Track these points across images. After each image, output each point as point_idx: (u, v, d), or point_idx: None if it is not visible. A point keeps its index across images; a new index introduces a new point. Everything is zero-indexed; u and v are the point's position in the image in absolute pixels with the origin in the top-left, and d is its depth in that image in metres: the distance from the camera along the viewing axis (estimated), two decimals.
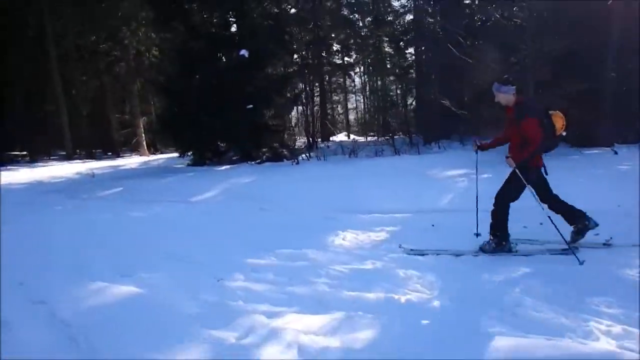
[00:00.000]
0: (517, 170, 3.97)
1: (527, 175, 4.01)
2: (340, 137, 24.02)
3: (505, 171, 4.17)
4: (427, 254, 4.22)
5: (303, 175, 8.84)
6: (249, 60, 12.70)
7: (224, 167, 12.78)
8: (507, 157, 4.03)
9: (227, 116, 12.68)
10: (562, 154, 8.04)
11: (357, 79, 29.43)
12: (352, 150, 11.63)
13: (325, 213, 6.35)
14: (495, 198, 4.11)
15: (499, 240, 4.07)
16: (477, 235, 4.48)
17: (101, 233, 5.88)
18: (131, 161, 17.29)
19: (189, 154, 14.49)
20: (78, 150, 22.43)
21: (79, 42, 20.42)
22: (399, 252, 4.38)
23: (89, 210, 7.75)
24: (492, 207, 4.13)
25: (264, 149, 14.48)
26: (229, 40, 13.52)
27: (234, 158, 14.41)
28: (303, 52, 17.73)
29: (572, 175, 6.35)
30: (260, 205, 7.18)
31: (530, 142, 3.87)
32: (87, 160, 18.39)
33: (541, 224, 4.50)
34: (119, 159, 19.38)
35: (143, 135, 21.29)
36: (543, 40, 7.66)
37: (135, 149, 21.64)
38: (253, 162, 13.48)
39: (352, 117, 32.52)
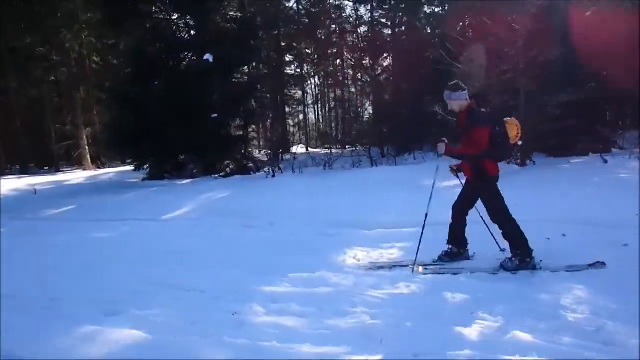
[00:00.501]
0: (438, 157, 3.92)
1: (485, 182, 3.82)
2: (297, 149, 23.56)
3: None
4: (445, 273, 3.86)
5: (283, 189, 8.26)
6: (214, 66, 11.95)
7: (185, 181, 11.88)
8: (441, 140, 3.85)
9: (189, 126, 11.79)
10: (550, 164, 8.10)
11: (308, 91, 29.25)
12: (327, 162, 11.17)
13: (319, 229, 5.82)
14: (494, 220, 3.87)
15: (522, 257, 3.77)
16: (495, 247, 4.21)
17: (65, 260, 4.97)
18: (75, 176, 15.74)
19: (145, 167, 13.39)
20: (8, 165, 20.30)
21: (13, 44, 18.52)
22: (428, 271, 3.97)
23: (42, 233, 6.71)
24: (500, 230, 3.89)
25: (227, 162, 13.74)
26: (190, 44, 12.68)
27: (195, 171, 13.50)
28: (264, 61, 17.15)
29: (578, 184, 6.24)
30: (244, 221, 6.53)
31: (473, 147, 3.75)
32: (21, 176, 16.55)
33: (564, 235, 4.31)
34: (59, 174, 17.66)
35: (87, 147, 19.62)
36: (535, 47, 7.65)
37: (77, 163, 19.90)
38: (217, 176, 12.70)
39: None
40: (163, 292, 3.77)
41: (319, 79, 28.13)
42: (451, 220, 4.10)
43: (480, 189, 3.87)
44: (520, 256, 3.74)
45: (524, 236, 3.75)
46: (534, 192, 6.27)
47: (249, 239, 5.56)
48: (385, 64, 16.96)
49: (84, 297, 3.72)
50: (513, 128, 3.80)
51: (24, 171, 18.92)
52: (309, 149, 24.14)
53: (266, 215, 6.64)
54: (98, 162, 20.53)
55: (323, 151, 17.76)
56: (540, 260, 3.81)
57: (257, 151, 19.34)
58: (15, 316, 3.41)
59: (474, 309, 3.00)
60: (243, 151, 13.99)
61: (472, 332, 2.69)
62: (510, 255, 3.82)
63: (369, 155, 11.64)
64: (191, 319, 3.15)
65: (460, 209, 4.08)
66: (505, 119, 3.83)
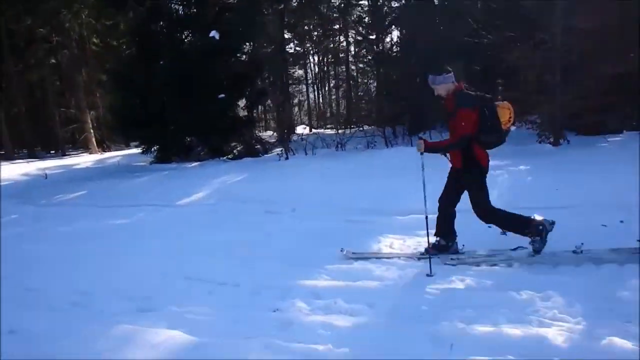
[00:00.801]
0: (421, 158, 3.66)
1: (471, 174, 3.60)
2: (301, 130, 23.21)
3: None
4: (480, 264, 3.63)
5: (299, 172, 8.04)
6: (219, 44, 11.58)
7: (194, 164, 11.72)
8: (419, 138, 3.66)
9: (195, 107, 11.53)
10: (585, 143, 7.74)
11: (309, 70, 28.63)
12: (339, 143, 10.92)
13: (346, 215, 5.60)
14: (478, 215, 3.66)
15: (538, 232, 3.51)
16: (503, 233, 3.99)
17: (86, 249, 4.83)
18: (82, 160, 15.58)
19: (153, 150, 13.20)
20: (15, 149, 20.08)
21: (12, 27, 18.06)
22: (455, 261, 3.74)
23: (57, 219, 6.57)
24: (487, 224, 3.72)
25: (233, 144, 13.51)
26: (193, 21, 12.25)
27: (202, 154, 13.29)
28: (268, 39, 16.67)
29: (623, 164, 5.69)
30: (264, 207, 6.36)
31: (456, 132, 3.49)
32: (30, 160, 16.38)
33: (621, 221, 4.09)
34: (66, 157, 17.49)
35: (92, 131, 19.38)
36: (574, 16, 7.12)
37: (83, 147, 19.69)
38: (225, 158, 12.51)
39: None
40: (195, 286, 3.62)
41: (319, 58, 27.48)
42: (438, 212, 3.86)
43: (468, 179, 3.64)
44: (536, 233, 3.50)
45: (520, 216, 3.56)
46: (576, 175, 5.88)
47: (273, 226, 5.36)
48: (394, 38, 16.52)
49: (113, 291, 3.58)
50: (505, 112, 3.56)
51: (32, 155, 18.77)
52: (312, 129, 23.84)
53: (286, 201, 6.45)
54: (104, 145, 20.32)
55: (328, 131, 17.49)
56: (582, 243, 3.52)
57: (262, 132, 19.10)
58: (43, 312, 3.28)
59: (547, 308, 2.73)
60: (251, 132, 13.77)
61: (556, 336, 2.39)
62: (527, 238, 3.57)
63: (383, 134, 11.35)
64: (231, 317, 3.00)
65: (447, 200, 3.83)
66: (496, 102, 3.61)
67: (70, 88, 20.28)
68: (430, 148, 3.63)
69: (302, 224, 5.43)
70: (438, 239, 3.89)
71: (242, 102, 13.20)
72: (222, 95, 11.92)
